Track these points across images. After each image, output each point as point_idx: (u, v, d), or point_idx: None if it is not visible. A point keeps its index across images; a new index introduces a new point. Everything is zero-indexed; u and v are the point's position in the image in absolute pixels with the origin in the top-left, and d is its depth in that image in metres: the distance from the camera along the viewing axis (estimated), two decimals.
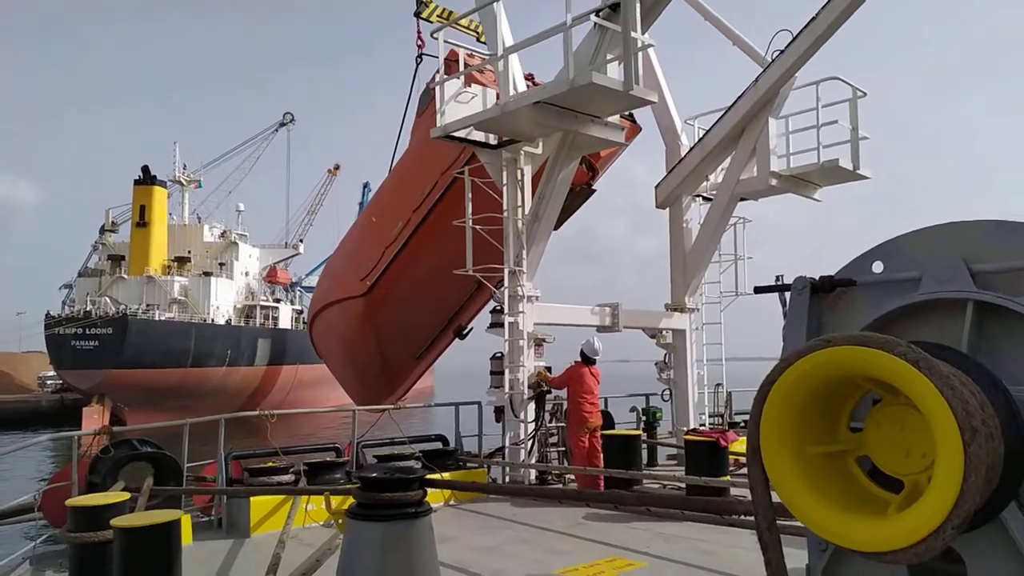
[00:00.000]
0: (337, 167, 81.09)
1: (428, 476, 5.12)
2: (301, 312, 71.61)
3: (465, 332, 13.24)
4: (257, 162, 74.53)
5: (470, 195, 9.90)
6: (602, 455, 9.32)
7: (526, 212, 9.99)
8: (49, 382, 57.25)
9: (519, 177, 9.93)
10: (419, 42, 13.80)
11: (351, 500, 5.62)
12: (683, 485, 8.17)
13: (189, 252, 62.92)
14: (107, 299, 53.88)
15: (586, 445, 9.45)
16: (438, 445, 10.11)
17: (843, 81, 11.26)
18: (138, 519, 4.79)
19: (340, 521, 5.13)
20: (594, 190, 12.04)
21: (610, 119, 8.96)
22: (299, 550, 6.68)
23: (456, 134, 9.53)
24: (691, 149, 12.17)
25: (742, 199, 12.23)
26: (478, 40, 12.39)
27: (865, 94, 11.43)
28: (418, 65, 13.79)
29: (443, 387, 42.01)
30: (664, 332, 12.45)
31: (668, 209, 12.67)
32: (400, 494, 4.90)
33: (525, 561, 6.46)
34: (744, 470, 10.14)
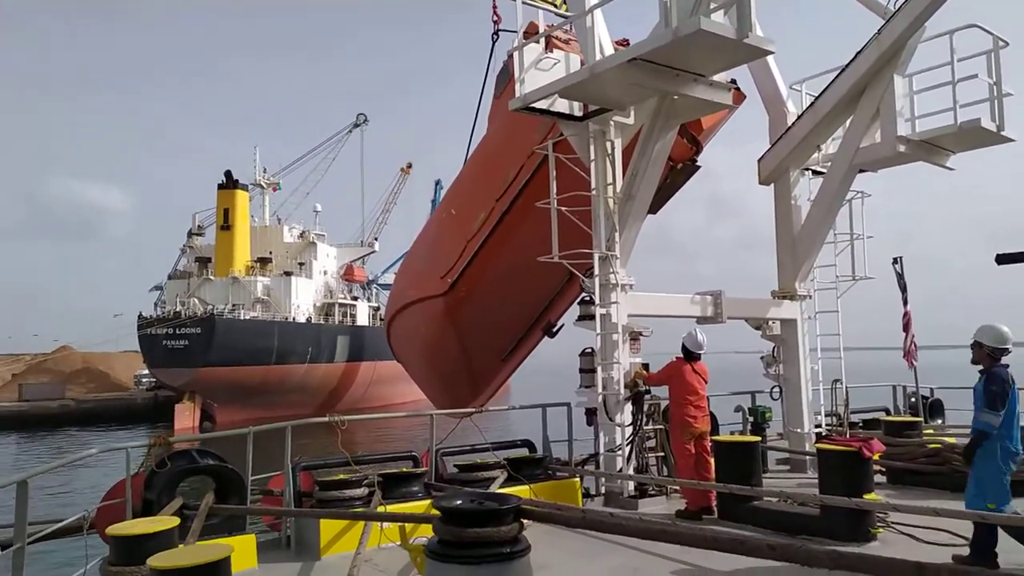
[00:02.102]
0: (410, 165, 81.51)
1: (525, 507, 4.15)
2: (378, 309, 72.32)
3: (555, 329, 12.16)
4: (333, 163, 75.54)
5: (554, 173, 8.85)
6: (713, 465, 8.17)
7: (617, 191, 8.89)
8: (144, 380, 59.54)
9: (609, 151, 8.83)
10: (495, 17, 12.70)
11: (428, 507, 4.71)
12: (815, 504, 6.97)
13: (270, 253, 64.29)
14: (195, 300, 55.60)
15: (692, 453, 8.30)
16: (524, 451, 9.15)
17: (982, 29, 9.68)
18: (180, 558, 3.99)
19: (418, 560, 4.24)
20: (698, 166, 10.74)
21: (716, 78, 7.76)
22: None
23: (537, 105, 8.52)
24: (801, 115, 10.79)
25: (860, 171, 10.78)
26: (557, 16, 11.34)
27: (1007, 43, 9.83)
28: (494, 43, 12.71)
29: (519, 386, 41.08)
30: (771, 323, 11.13)
31: (773, 186, 11.33)
32: (492, 529, 3.95)
33: None
34: (883, 480, 8.72)
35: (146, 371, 56.85)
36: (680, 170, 10.66)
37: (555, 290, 11.90)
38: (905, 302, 13.29)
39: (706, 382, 8.62)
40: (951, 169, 10.66)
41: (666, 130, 8.54)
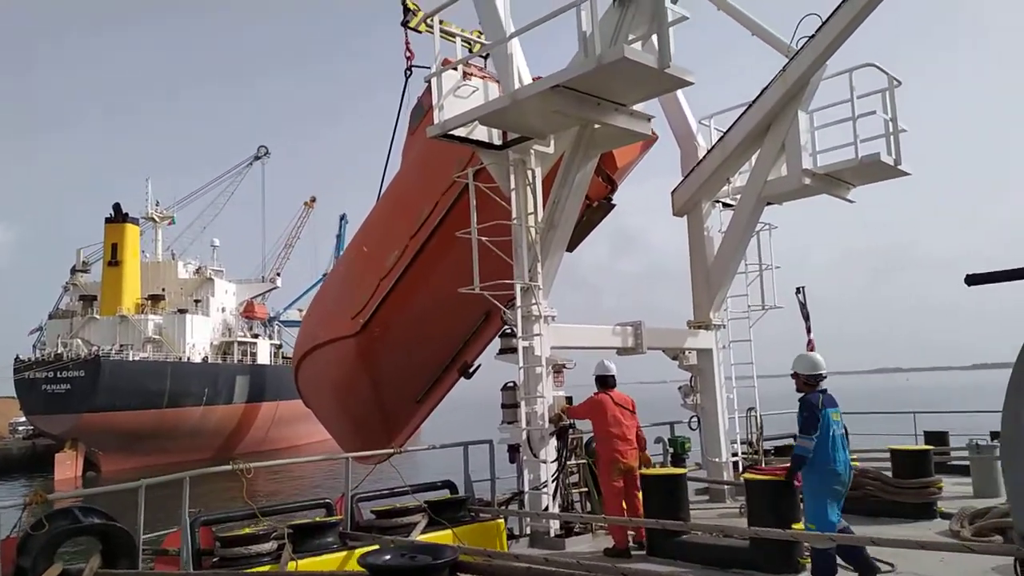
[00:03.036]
0: (313, 199, 80.00)
1: (463, 557, 3.79)
2: (280, 347, 69.86)
3: (472, 370, 11.82)
4: (232, 196, 73.14)
5: (475, 202, 8.61)
6: (641, 499, 7.98)
7: (539, 220, 8.73)
8: (20, 428, 54.97)
9: (529, 180, 8.68)
10: (408, 54, 12.54)
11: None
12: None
13: (163, 289, 61.34)
14: (79, 341, 52.16)
15: (620, 489, 8.09)
16: (445, 493, 8.71)
17: (879, 68, 10.20)
18: None
19: None
20: (614, 204, 10.77)
21: (636, 108, 7.76)
22: None
23: (456, 132, 8.29)
24: (711, 149, 11.03)
25: (768, 203, 11.08)
26: (470, 51, 11.24)
27: (900, 83, 10.39)
28: (407, 79, 12.56)
29: (430, 424, 40.08)
30: (687, 353, 11.20)
31: (686, 217, 11.50)
32: None
33: None
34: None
35: (23, 418, 52.53)
36: (596, 208, 10.64)
37: (471, 330, 11.62)
38: (808, 330, 13.70)
39: (632, 412, 8.44)
40: (852, 202, 11.11)
41: (587, 160, 8.48)
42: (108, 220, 57.76)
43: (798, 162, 10.22)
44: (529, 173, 8.71)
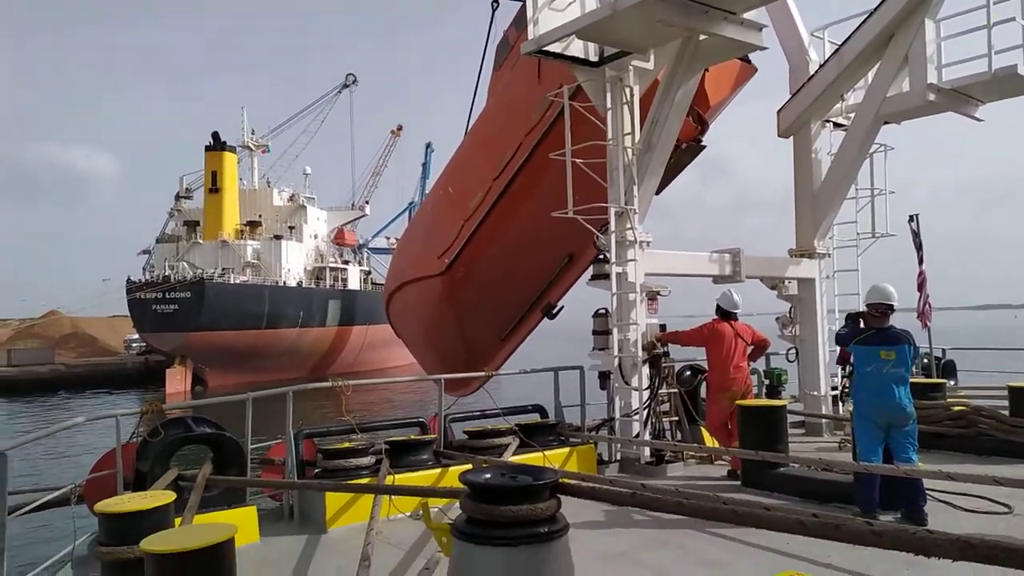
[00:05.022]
0: (400, 128, 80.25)
1: (564, 480, 3.71)
2: (369, 273, 71.73)
3: (555, 311, 11.77)
4: (322, 125, 74.21)
5: (569, 123, 8.28)
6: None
7: (636, 141, 8.35)
8: (134, 345, 58.97)
9: (627, 97, 8.26)
10: None
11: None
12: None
13: (260, 216, 63.40)
14: (184, 264, 54.87)
15: (724, 415, 8.00)
16: (535, 417, 8.74)
17: None
18: (176, 540, 3.54)
19: (444, 540, 3.83)
20: (704, 146, 10.23)
21: (747, 16, 7.18)
22: (387, 553, 5.44)
23: (551, 48, 7.92)
24: (824, 63, 10.23)
25: (885, 122, 10.25)
26: None
27: None
28: (494, 12, 12.14)
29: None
30: (787, 283, 10.70)
31: (792, 138, 10.81)
32: (528, 507, 3.51)
33: None
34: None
35: (136, 336, 56.30)
36: (685, 150, 10.15)
37: (555, 271, 11.51)
38: (921, 261, 12.87)
39: (748, 342, 8.38)
40: (980, 120, 10.15)
41: (690, 74, 7.99)
42: (208, 148, 59.75)
43: (923, 76, 9.35)
44: (627, 91, 8.28)
